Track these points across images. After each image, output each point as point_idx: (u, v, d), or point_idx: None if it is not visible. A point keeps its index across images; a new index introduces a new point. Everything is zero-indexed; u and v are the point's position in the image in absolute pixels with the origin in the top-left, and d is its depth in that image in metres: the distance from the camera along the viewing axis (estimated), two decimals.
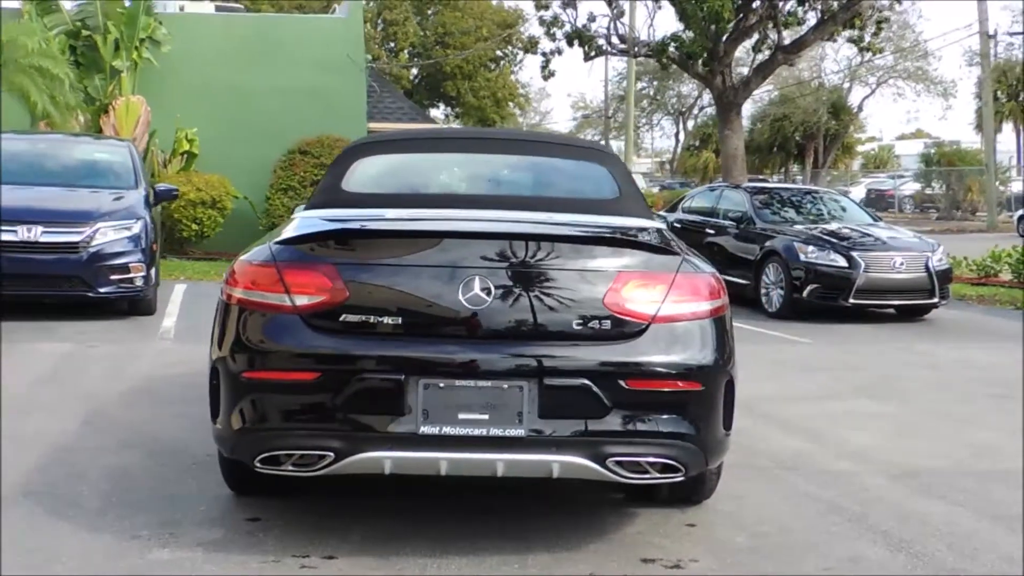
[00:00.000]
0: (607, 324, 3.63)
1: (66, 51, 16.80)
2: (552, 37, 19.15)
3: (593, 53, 18.97)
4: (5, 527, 3.94)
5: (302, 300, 3.61)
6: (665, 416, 3.66)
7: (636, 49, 18.78)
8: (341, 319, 3.59)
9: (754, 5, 17.70)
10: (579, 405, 3.55)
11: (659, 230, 4.33)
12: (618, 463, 3.61)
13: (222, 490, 4.41)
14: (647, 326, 3.66)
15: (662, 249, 3.85)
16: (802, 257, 11.84)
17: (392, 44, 36.49)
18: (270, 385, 3.60)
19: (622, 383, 3.58)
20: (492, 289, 3.57)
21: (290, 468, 3.62)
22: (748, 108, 47.45)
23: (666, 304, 3.70)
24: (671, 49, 18.10)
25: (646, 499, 4.46)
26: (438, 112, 46.96)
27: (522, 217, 4.05)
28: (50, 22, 16.98)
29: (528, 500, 4.40)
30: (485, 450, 3.54)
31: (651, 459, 3.64)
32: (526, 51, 23.22)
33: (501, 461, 3.56)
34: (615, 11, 18.80)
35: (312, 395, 3.56)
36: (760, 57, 18.93)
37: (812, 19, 18.51)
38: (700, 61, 18.61)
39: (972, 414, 6.71)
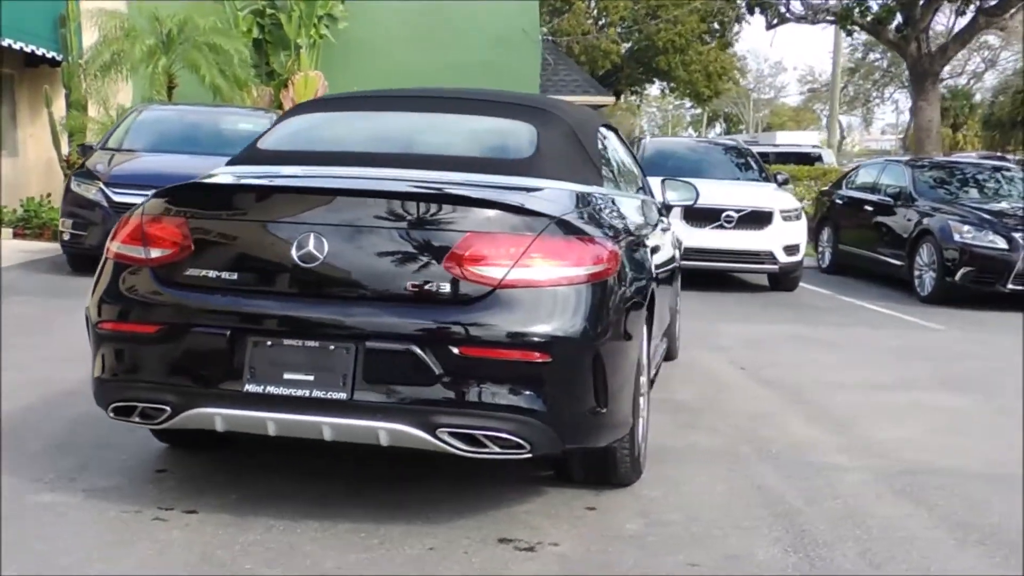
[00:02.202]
0: (445, 287, 3.41)
1: (252, 28, 17.76)
2: (733, 6, 18.36)
3: (775, 21, 18.03)
4: None
5: (155, 253, 3.62)
6: (505, 388, 3.40)
7: (818, 16, 17.67)
8: (185, 273, 3.57)
9: None
10: (406, 371, 3.36)
11: (573, 193, 4.01)
12: (452, 434, 3.40)
13: (156, 443, 4.51)
14: (491, 291, 3.41)
15: (522, 210, 3.55)
16: (956, 237, 10.85)
17: (604, 18, 36.14)
18: (119, 336, 3.64)
19: (455, 350, 3.36)
20: (327, 247, 3.43)
21: (137, 420, 3.65)
22: (990, 79, 43.99)
23: (518, 268, 3.43)
24: (856, 14, 16.93)
25: (563, 478, 4.21)
26: (654, 88, 46.22)
27: (394, 175, 3.88)
28: (241, 2, 17.99)
29: (431, 469, 4.23)
30: (310, 412, 3.42)
31: (488, 432, 3.41)
32: (720, 25, 22.31)
33: (327, 425, 3.43)
34: None
35: (153, 348, 3.56)
36: (961, 21, 17.38)
37: None
38: (893, 27, 17.31)
39: None
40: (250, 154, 4.32)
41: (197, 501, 3.87)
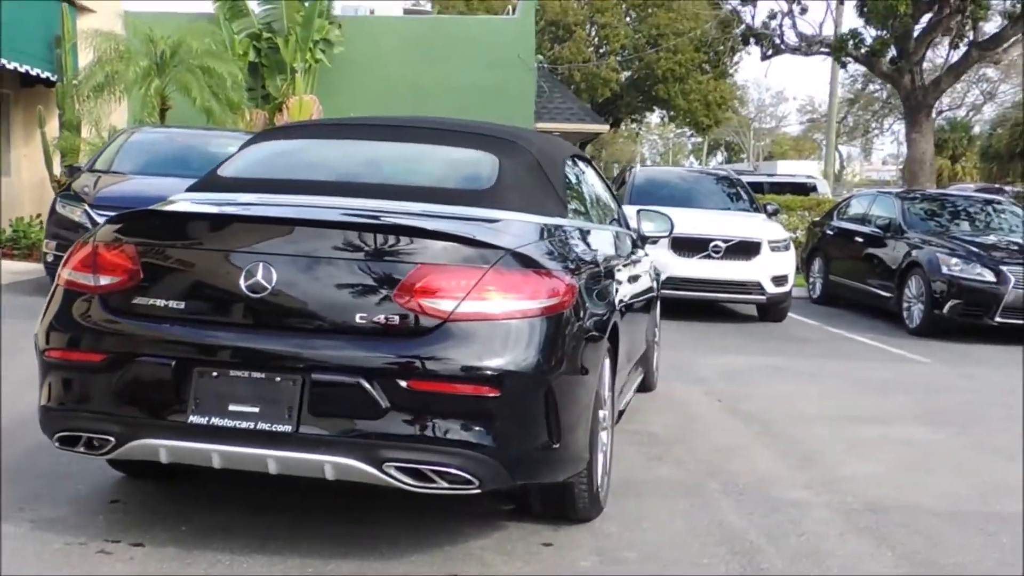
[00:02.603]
0: (395, 319, 3.37)
1: (249, 52, 17.84)
2: (728, 36, 18.41)
3: (770, 52, 18.05)
4: None
5: (104, 280, 3.58)
6: (453, 423, 3.35)
7: (812, 48, 17.69)
8: (133, 301, 3.53)
9: None
10: (352, 404, 3.32)
11: (533, 225, 3.97)
12: (399, 469, 3.35)
13: (113, 472, 4.45)
14: (441, 323, 3.36)
15: (475, 242, 3.51)
16: (944, 269, 10.81)
17: (604, 47, 36.27)
18: (65, 365, 3.59)
19: (402, 383, 3.31)
20: (275, 277, 3.40)
21: (82, 450, 3.59)
22: (989, 111, 44.10)
23: (470, 301, 3.39)
24: (850, 46, 16.95)
25: (524, 512, 4.15)
26: (655, 116, 46.36)
27: (350, 205, 3.84)
28: (238, 26, 18.07)
29: (384, 502, 4.17)
30: (254, 445, 3.36)
31: (435, 467, 3.35)
32: (715, 55, 22.37)
33: (271, 458, 3.38)
34: (792, 6, 17.77)
35: (99, 377, 3.51)
36: (955, 54, 17.41)
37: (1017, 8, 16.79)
38: (887, 59, 17.34)
39: None
40: (210, 180, 4.29)
41: (146, 533, 3.81)
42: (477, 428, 3.37)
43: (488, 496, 4.01)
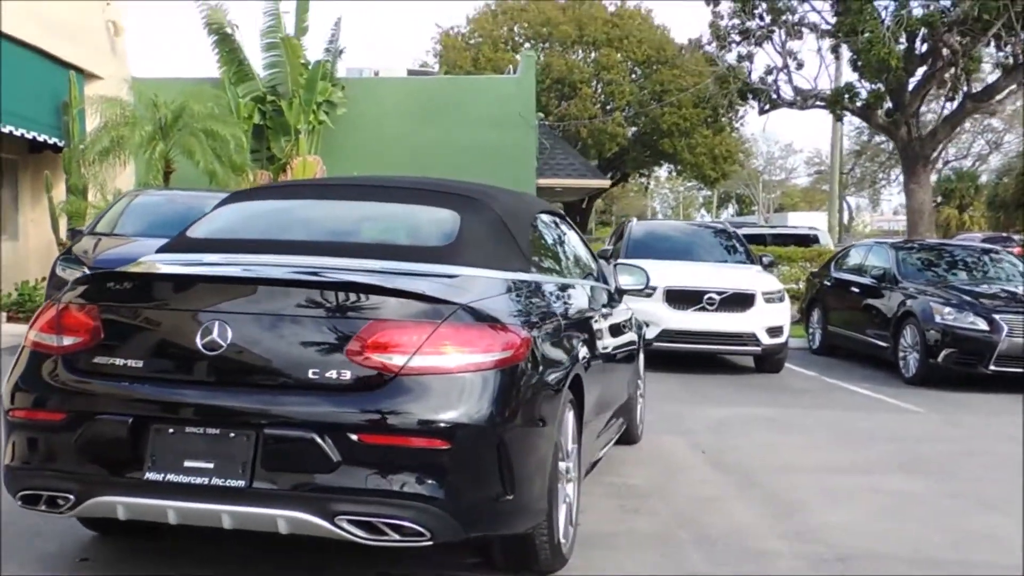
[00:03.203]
0: (346, 374, 3.44)
1: (254, 115, 18.14)
2: (726, 93, 18.63)
3: (767, 107, 18.25)
4: None
5: (67, 341, 3.68)
6: (404, 475, 3.40)
7: (808, 102, 17.87)
8: (92, 360, 3.62)
9: (925, 50, 16.46)
10: (304, 458, 3.38)
11: (490, 280, 4.05)
12: (351, 521, 3.40)
13: (86, 530, 4.50)
14: (392, 378, 3.44)
15: (427, 298, 3.59)
16: (938, 319, 10.82)
17: (610, 103, 36.67)
18: (27, 424, 3.67)
19: (353, 437, 3.37)
20: (231, 334, 3.48)
21: (43, 508, 3.66)
22: (995, 161, 44.18)
23: (420, 356, 3.46)
24: (845, 99, 17.12)
25: (489, 565, 4.18)
26: (662, 170, 46.66)
27: (310, 263, 3.94)
28: (243, 89, 18.40)
29: (349, 556, 4.21)
30: (209, 500, 3.43)
31: (387, 520, 3.40)
32: (714, 111, 22.60)
33: (226, 513, 3.43)
34: (787, 60, 17.98)
35: (58, 436, 3.59)
36: (949, 106, 17.54)
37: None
38: (883, 112, 17.50)
39: (1009, 497, 5.84)
40: (179, 241, 4.41)
41: None
42: (428, 480, 3.42)
43: (456, 548, 4.08)
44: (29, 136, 15.24)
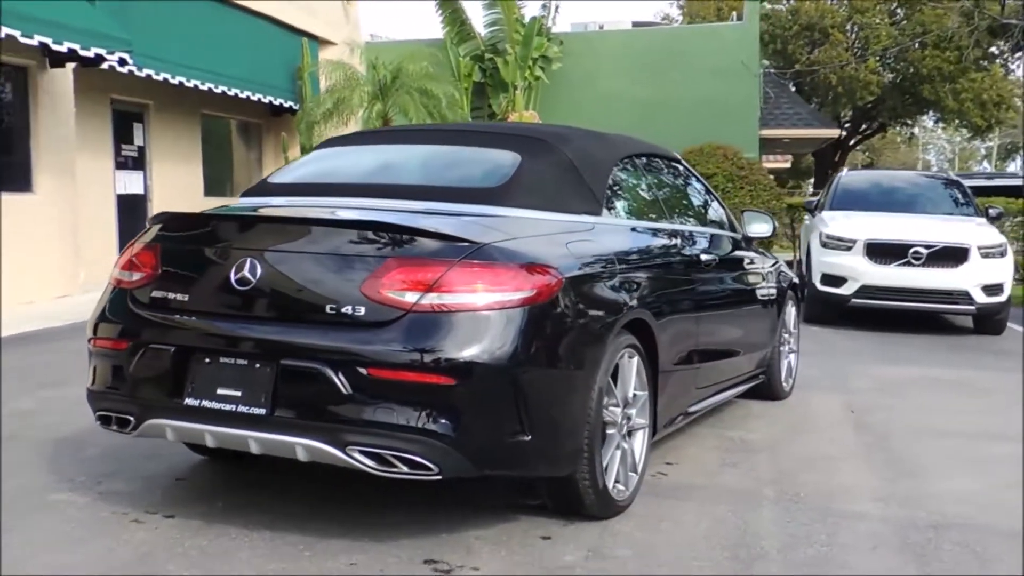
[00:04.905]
0: (360, 310, 3.53)
1: (474, 73, 18.61)
2: (972, 30, 17.11)
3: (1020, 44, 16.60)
4: None
5: (135, 276, 4.00)
6: (411, 410, 3.46)
7: None
8: (151, 295, 3.91)
9: None
10: (317, 389, 3.51)
11: (533, 221, 4.02)
12: (361, 452, 3.50)
13: (194, 455, 4.89)
14: (404, 315, 3.50)
15: (445, 236, 3.61)
16: None
17: (864, 48, 34.54)
18: (101, 352, 4.02)
19: (363, 371, 3.47)
20: (260, 271, 3.67)
21: (115, 428, 4.00)
22: None
23: (433, 293, 3.50)
24: None
25: (550, 510, 4.18)
26: (926, 118, 43.53)
27: (354, 204, 4.06)
28: (464, 49, 18.90)
29: (412, 491, 4.34)
30: (237, 426, 3.63)
31: (395, 453, 3.48)
32: (959, 51, 20.80)
33: (252, 439, 3.63)
34: None
35: (122, 363, 3.90)
36: None
37: None
38: None
39: None
40: (259, 186, 4.67)
41: (184, 507, 4.19)
42: (436, 416, 3.46)
43: (516, 489, 4.18)
44: (265, 100, 16.37)
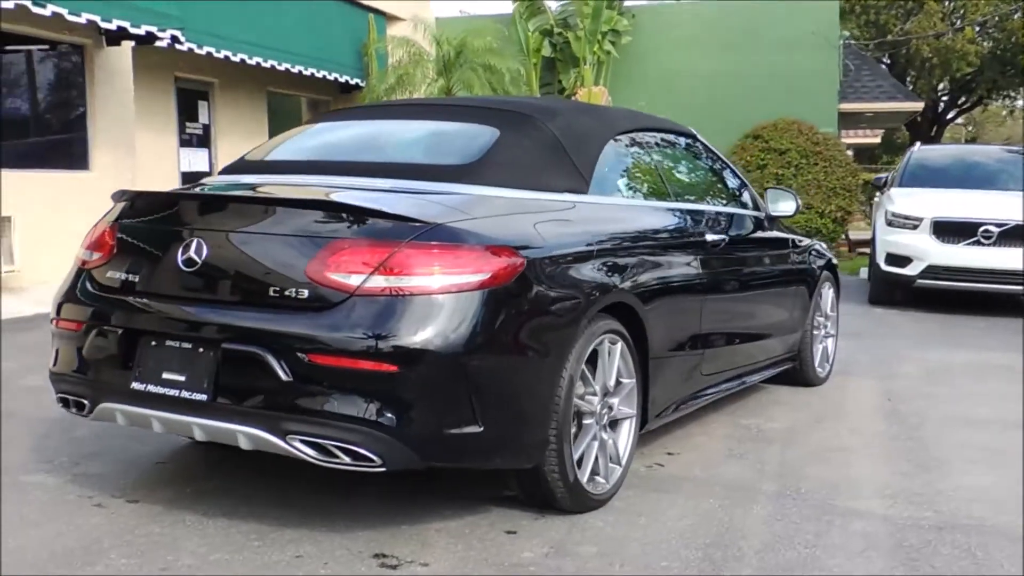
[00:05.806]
0: (304, 293, 3.37)
1: (543, 47, 18.34)
2: None
3: None
4: None
5: (94, 256, 3.92)
6: (353, 398, 3.29)
7: None
8: (106, 275, 3.82)
9: None
10: (257, 375, 3.36)
11: (511, 200, 3.81)
12: (303, 442, 3.35)
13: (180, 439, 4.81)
14: (346, 298, 3.33)
15: (393, 216, 3.42)
16: None
17: (960, 18, 33.13)
18: (61, 333, 3.94)
19: (302, 357, 3.31)
20: (206, 252, 3.54)
21: (74, 410, 3.93)
22: None
23: (378, 276, 3.32)
24: None
25: (523, 502, 3.99)
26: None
27: (316, 183, 3.90)
28: (533, 24, 18.63)
29: (389, 481, 4.17)
30: (181, 412, 3.52)
31: (336, 443, 3.33)
32: None
33: (196, 425, 3.51)
34: None
35: (78, 344, 3.83)
36: None
37: None
38: None
39: None
40: (235, 164, 4.54)
41: (152, 492, 4.12)
42: (377, 405, 3.30)
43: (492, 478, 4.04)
44: (331, 78, 16.37)
